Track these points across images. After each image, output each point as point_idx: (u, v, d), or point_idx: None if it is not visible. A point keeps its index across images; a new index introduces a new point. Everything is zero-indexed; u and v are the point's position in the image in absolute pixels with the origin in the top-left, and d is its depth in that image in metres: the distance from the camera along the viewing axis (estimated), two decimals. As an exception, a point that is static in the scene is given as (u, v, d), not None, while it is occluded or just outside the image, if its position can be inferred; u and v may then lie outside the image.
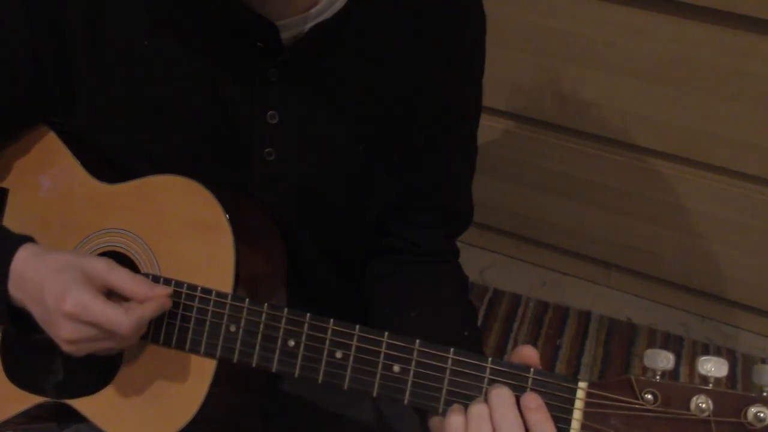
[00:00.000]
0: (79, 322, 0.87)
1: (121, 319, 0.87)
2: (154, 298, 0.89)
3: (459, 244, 1.13)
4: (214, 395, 0.93)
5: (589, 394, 0.80)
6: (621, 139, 2.00)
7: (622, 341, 2.13)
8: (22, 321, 0.94)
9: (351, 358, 0.87)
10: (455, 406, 0.84)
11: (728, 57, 1.79)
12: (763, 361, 2.05)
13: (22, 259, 0.92)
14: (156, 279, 0.94)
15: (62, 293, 0.87)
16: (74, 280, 0.88)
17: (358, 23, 0.94)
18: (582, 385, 0.81)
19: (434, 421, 0.89)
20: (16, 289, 0.92)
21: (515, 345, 2.01)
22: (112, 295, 0.90)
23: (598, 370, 2.05)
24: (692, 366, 0.73)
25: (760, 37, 1.75)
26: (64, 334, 0.88)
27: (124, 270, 0.90)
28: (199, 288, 0.92)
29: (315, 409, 1.16)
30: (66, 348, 0.90)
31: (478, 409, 0.82)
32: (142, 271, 0.95)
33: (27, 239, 0.95)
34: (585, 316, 2.20)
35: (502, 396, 0.81)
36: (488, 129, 2.11)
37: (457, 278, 1.11)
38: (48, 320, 0.90)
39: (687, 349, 2.11)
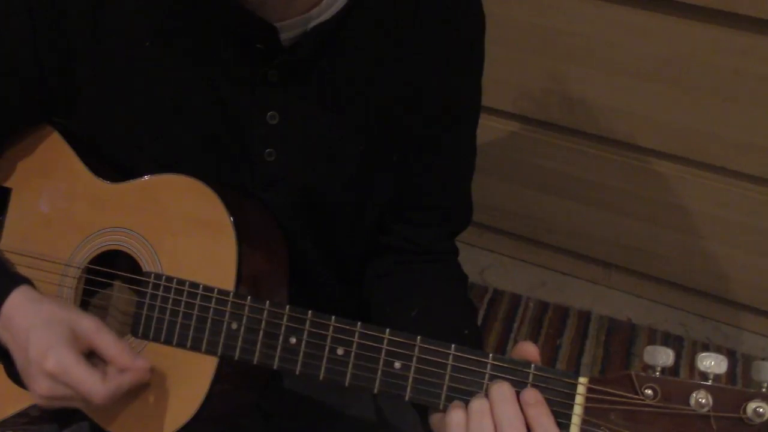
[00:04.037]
0: (56, 381, 0.88)
1: (98, 388, 0.87)
2: (134, 370, 0.90)
3: (459, 244, 1.14)
4: (216, 393, 0.93)
5: (589, 390, 0.80)
6: (621, 139, 2.00)
7: (622, 341, 2.14)
8: (4, 357, 0.95)
9: (352, 354, 0.87)
10: (456, 402, 0.84)
11: (728, 57, 1.79)
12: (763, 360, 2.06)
13: (15, 303, 0.93)
14: (158, 277, 0.95)
15: (46, 350, 0.88)
16: (60, 338, 0.89)
17: (357, 24, 0.94)
18: (582, 380, 0.81)
19: (435, 418, 0.89)
20: (3, 330, 0.93)
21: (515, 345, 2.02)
22: (92, 355, 0.91)
23: (598, 370, 2.06)
24: (692, 366, 0.74)
25: (760, 37, 1.76)
26: (40, 390, 0.89)
27: (111, 334, 0.91)
28: (201, 286, 0.93)
29: (315, 408, 1.17)
30: (38, 401, 0.91)
31: (478, 404, 0.82)
32: (145, 270, 0.96)
33: (24, 281, 0.96)
34: (585, 316, 2.20)
35: (502, 391, 0.82)
36: (488, 129, 2.11)
37: (456, 277, 1.11)
38: (27, 371, 0.91)
39: (687, 349, 2.11)
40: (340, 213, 1.04)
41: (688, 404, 0.77)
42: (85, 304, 1.02)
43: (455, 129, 1.05)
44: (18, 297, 0.93)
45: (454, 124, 1.04)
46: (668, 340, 2.14)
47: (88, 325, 0.91)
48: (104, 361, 0.91)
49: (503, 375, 0.83)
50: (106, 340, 0.90)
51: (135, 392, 0.95)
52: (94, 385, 0.87)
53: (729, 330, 2.17)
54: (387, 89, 0.98)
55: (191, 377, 0.93)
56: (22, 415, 1.01)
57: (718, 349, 2.10)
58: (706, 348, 2.11)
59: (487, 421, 0.81)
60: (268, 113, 0.96)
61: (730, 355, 2.09)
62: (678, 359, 2.07)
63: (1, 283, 0.95)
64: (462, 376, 0.84)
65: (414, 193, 1.05)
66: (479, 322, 2.14)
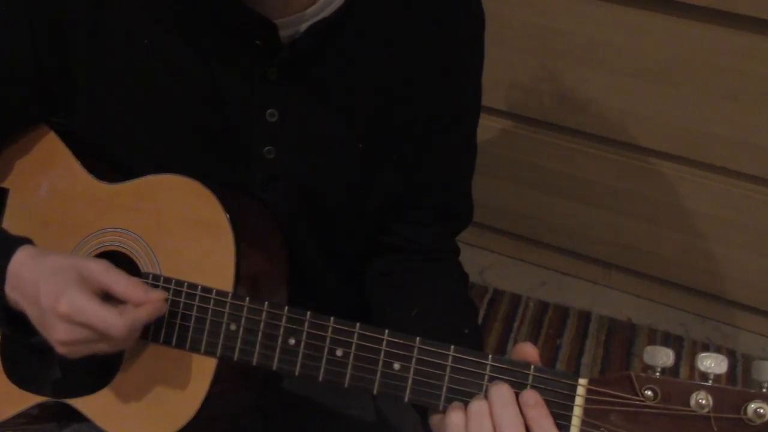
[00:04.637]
0: (73, 323, 0.87)
1: (115, 321, 0.87)
2: (149, 302, 0.89)
3: (459, 244, 1.13)
4: (215, 394, 0.93)
5: (589, 391, 0.80)
6: (621, 139, 2.00)
7: (622, 341, 2.13)
8: (18, 323, 0.94)
9: (351, 356, 0.87)
10: (455, 403, 0.84)
11: (728, 57, 1.79)
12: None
13: (20, 261, 0.92)
14: (156, 278, 0.94)
15: (57, 294, 0.87)
16: (70, 281, 0.88)
17: (356, 22, 0.94)
18: (582, 381, 0.81)
19: (435, 419, 0.89)
20: (12, 290, 0.92)
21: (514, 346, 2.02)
22: (109, 297, 0.90)
23: (598, 370, 2.05)
24: (692, 366, 0.73)
25: (760, 37, 1.76)
26: (58, 335, 0.88)
27: (121, 272, 0.90)
28: (200, 287, 0.92)
29: (315, 409, 1.16)
30: (60, 350, 0.90)
31: (478, 406, 0.82)
32: (143, 271, 0.95)
33: (25, 241, 0.95)
34: (585, 316, 2.20)
35: (502, 393, 0.81)
36: (488, 129, 2.11)
37: (457, 276, 1.11)
38: (43, 321, 0.90)
39: (687, 349, 2.11)
40: (339, 211, 1.04)
41: (688, 405, 0.76)
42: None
43: (455, 128, 1.05)
44: (22, 255, 0.93)
45: (454, 123, 1.04)
46: (668, 340, 2.14)
47: (95, 266, 0.90)
48: (120, 302, 0.90)
49: (502, 376, 0.83)
50: (116, 278, 0.89)
51: (135, 393, 0.95)
52: (111, 319, 0.86)
53: (729, 330, 2.17)
54: (387, 88, 0.98)
55: (191, 378, 0.93)
56: (21, 415, 1.01)
57: (718, 349, 2.10)
58: (706, 348, 2.11)
59: (487, 423, 0.81)
60: (268, 111, 0.96)
61: (730, 354, 2.09)
62: (678, 359, 2.06)
63: (2, 245, 0.94)
64: (461, 377, 0.84)
65: (414, 192, 1.05)
66: (479, 322, 2.14)
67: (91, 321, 0.87)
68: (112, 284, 0.89)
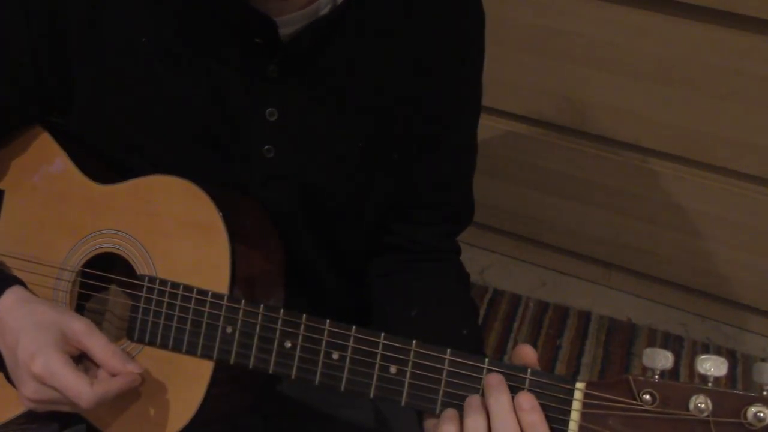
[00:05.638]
0: (43, 384, 0.88)
1: (86, 393, 0.86)
2: (124, 375, 0.89)
3: (459, 244, 1.13)
4: (212, 396, 0.92)
5: (586, 395, 0.79)
6: (621, 139, 2.00)
7: (622, 341, 2.13)
8: None
9: (347, 359, 0.86)
10: (449, 412, 0.84)
11: (728, 57, 1.79)
12: (763, 361, 2.05)
13: (7, 304, 0.92)
14: (152, 280, 0.94)
15: (34, 353, 0.87)
16: (49, 340, 0.88)
17: (357, 20, 0.94)
18: (579, 385, 0.80)
19: (429, 423, 0.89)
20: None
21: (515, 345, 2.01)
22: (84, 357, 0.91)
23: (598, 370, 2.05)
24: (692, 366, 0.73)
25: (760, 37, 1.75)
26: (27, 392, 0.89)
27: (102, 337, 0.90)
28: (195, 289, 0.92)
29: (313, 409, 1.16)
30: (26, 404, 0.91)
31: (473, 420, 0.81)
32: (138, 273, 0.95)
33: (16, 282, 0.95)
34: (585, 316, 2.20)
35: (500, 402, 0.81)
36: (488, 129, 2.10)
37: (457, 276, 1.11)
38: (16, 373, 0.90)
39: (687, 349, 2.11)
40: (339, 210, 1.03)
41: (688, 409, 0.76)
42: (80, 308, 1.02)
43: (455, 127, 1.05)
44: (10, 298, 0.93)
45: (455, 122, 1.04)
46: (668, 340, 2.14)
47: (79, 327, 0.90)
48: (96, 365, 0.91)
49: (499, 380, 0.83)
50: (96, 343, 0.90)
51: (132, 396, 0.94)
52: (81, 389, 0.86)
53: (729, 330, 2.17)
54: (387, 86, 0.98)
55: (188, 381, 0.93)
56: (22, 415, 1.01)
57: (718, 349, 2.10)
58: (706, 348, 2.11)
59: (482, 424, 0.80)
60: (267, 110, 0.96)
61: (730, 355, 2.08)
62: (678, 359, 2.06)
63: None
64: (458, 381, 0.84)
65: (415, 191, 1.05)
66: (479, 322, 2.14)
67: (61, 387, 0.87)
68: (92, 349, 0.90)
